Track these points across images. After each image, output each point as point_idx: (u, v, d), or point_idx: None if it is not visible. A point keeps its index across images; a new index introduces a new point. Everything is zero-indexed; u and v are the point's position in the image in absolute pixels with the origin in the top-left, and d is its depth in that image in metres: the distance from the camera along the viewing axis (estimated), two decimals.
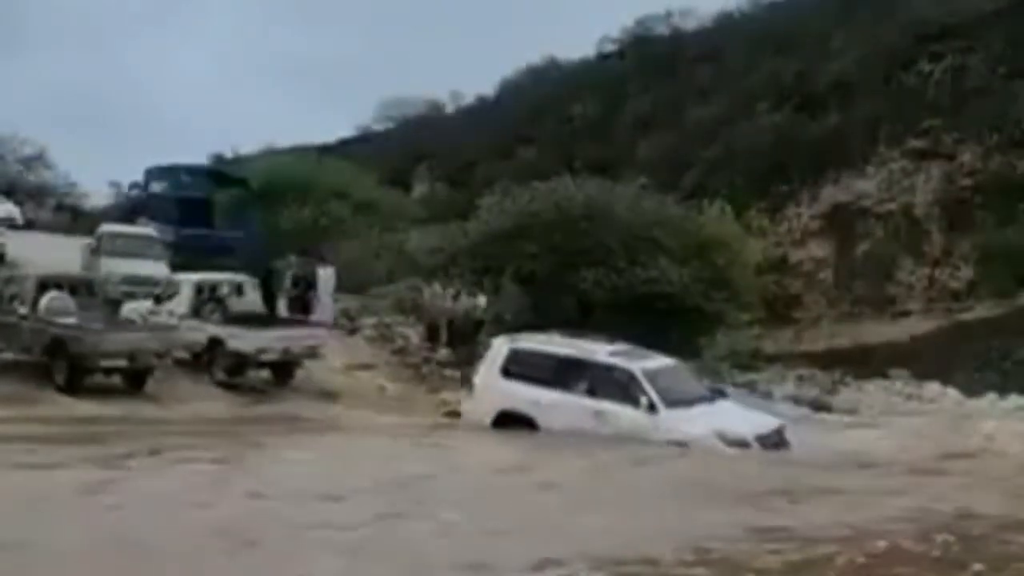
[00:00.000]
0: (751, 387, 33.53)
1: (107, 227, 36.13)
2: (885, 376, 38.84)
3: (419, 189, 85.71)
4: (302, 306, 32.30)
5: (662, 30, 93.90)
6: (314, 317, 31.29)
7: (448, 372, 30.22)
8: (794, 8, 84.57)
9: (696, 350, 37.43)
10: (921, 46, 68.73)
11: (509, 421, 20.79)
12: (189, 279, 28.31)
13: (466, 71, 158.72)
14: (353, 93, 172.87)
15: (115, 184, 43.77)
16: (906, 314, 62.44)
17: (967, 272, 62.11)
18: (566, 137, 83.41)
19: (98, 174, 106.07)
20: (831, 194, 68.63)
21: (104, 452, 17.62)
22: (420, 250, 39.74)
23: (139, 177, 43.48)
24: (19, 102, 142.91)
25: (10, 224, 40.03)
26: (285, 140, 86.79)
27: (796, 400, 32.12)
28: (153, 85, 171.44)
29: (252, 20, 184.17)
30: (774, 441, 20.43)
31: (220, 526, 12.11)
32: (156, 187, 41.32)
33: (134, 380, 23.81)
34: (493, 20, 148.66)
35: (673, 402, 20.27)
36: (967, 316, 58.88)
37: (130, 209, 39.40)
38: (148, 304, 27.46)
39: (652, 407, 19.96)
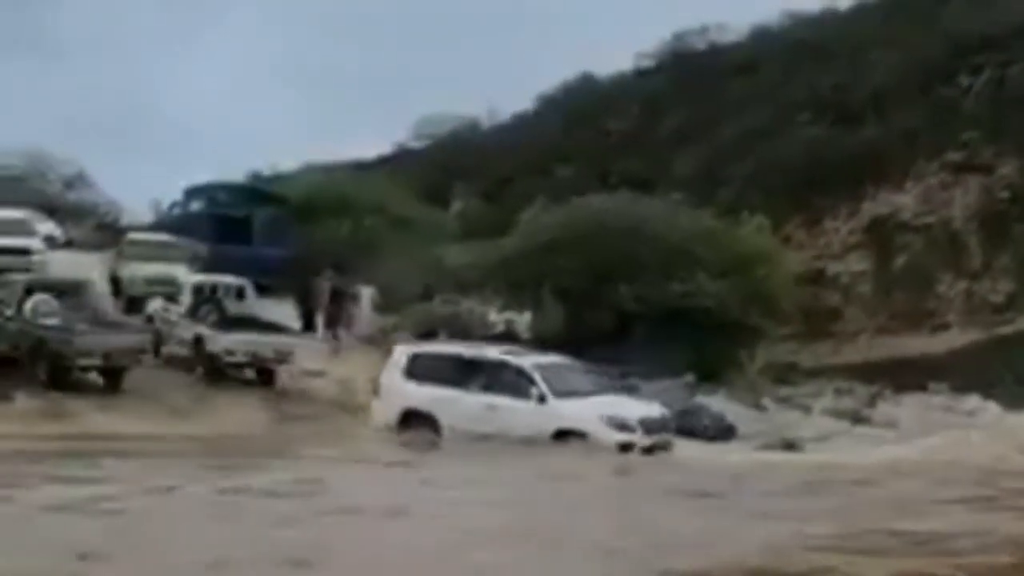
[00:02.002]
0: (789, 401, 33.39)
1: (131, 234, 39.06)
2: (924, 389, 38.66)
3: (456, 205, 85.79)
4: (339, 321, 32.89)
5: (698, 44, 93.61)
6: (354, 333, 31.94)
7: None
8: (831, 21, 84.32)
9: (737, 364, 37.45)
10: (960, 58, 68.40)
11: (412, 419, 22.35)
12: (189, 280, 30.20)
13: (502, 88, 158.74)
14: (390, 111, 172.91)
15: (155, 202, 44.32)
16: (945, 327, 62.05)
17: (1006, 285, 61.66)
18: (602, 152, 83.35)
19: (131, 192, 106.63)
20: (869, 207, 68.33)
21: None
22: (458, 266, 39.87)
23: (170, 194, 44.06)
24: (51, 119, 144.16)
25: (52, 243, 40.38)
26: (322, 157, 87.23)
27: (835, 414, 31.97)
28: (182, 103, 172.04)
29: (281, 38, 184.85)
30: (659, 427, 22.24)
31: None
32: (195, 205, 41.65)
33: (111, 378, 25.12)
34: (529, 36, 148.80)
35: (562, 393, 21.79)
36: (1006, 329, 58.40)
37: (170, 227, 39.61)
38: (161, 302, 29.12)
39: (542, 398, 21.51)
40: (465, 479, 17.46)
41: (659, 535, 12.87)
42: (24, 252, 33.63)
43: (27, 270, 31.39)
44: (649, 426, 21.90)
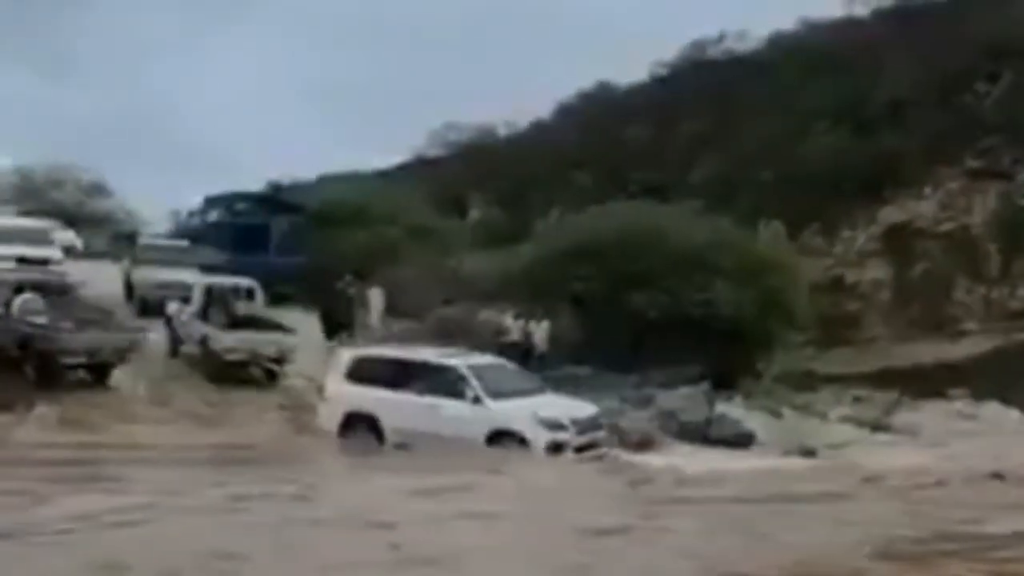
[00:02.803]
0: (807, 408, 33.32)
1: (143, 240, 40.64)
2: (943, 396, 38.57)
3: (474, 214, 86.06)
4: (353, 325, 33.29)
5: (716, 53, 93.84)
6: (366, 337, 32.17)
7: None
8: (848, 29, 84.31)
9: (755, 371, 37.41)
10: (977, 66, 68.35)
11: (355, 420, 22.56)
12: (200, 282, 30.19)
13: (520, 96, 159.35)
14: (408, 120, 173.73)
15: (174, 212, 44.53)
16: (964, 334, 61.97)
17: None
18: (620, 160, 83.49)
19: (149, 202, 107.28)
20: (887, 215, 68.36)
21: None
22: (475, 274, 39.92)
23: (188, 204, 44.29)
24: (70, 132, 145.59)
25: (71, 253, 40.61)
26: (340, 166, 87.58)
27: (854, 421, 31.89)
28: (201, 115, 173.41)
29: (299, 48, 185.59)
30: (590, 426, 22.43)
31: None
32: (214, 215, 41.82)
33: (98, 374, 25.47)
34: (547, 46, 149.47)
35: (497, 394, 22.04)
36: None
37: (189, 236, 39.78)
38: (178, 304, 29.36)
39: (477, 399, 21.83)
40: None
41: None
42: (43, 262, 33.84)
43: (46, 282, 31.85)
44: (582, 426, 22.10)
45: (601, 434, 22.80)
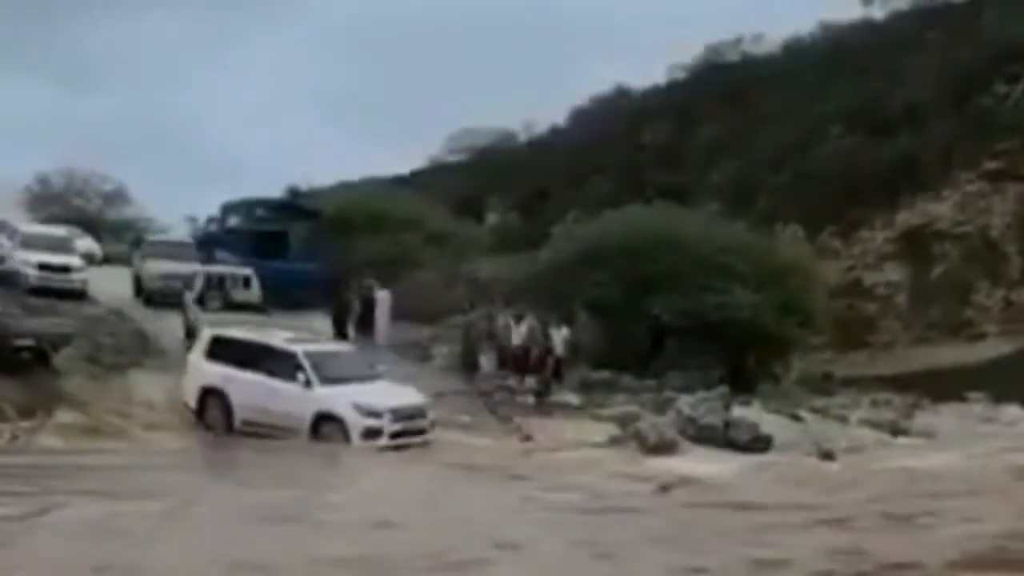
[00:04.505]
0: (825, 411, 33.24)
1: (149, 237, 44.94)
2: (962, 399, 38.46)
3: (492, 218, 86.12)
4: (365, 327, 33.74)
5: (732, 56, 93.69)
6: (378, 343, 32.71)
7: (519, 399, 30.42)
8: (866, 32, 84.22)
9: (772, 375, 37.38)
10: (996, 67, 68.12)
11: (209, 395, 24.12)
12: (199, 271, 33.11)
13: (537, 101, 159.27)
14: (425, 125, 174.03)
15: (192, 219, 44.73)
16: (982, 337, 61.78)
17: None
18: (637, 165, 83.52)
19: (166, 209, 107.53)
20: (905, 217, 68.16)
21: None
22: (493, 279, 39.93)
23: (205, 212, 44.60)
24: (88, 142, 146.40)
25: (91, 260, 40.88)
26: (357, 172, 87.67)
27: (872, 424, 31.79)
28: (216, 124, 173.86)
29: (317, 53, 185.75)
30: (411, 414, 23.69)
31: None
32: (232, 220, 41.88)
33: (41, 357, 26.19)
34: (563, 50, 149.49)
35: (328, 379, 23.48)
36: None
37: (207, 243, 39.92)
38: (189, 293, 31.73)
39: (308, 383, 23.27)
40: None
41: None
42: (64, 269, 34.16)
43: (67, 287, 33.44)
44: (399, 414, 23.25)
45: (424, 423, 23.90)
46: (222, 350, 24.64)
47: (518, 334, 31.71)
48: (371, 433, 22.78)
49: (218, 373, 24.19)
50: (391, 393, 24.13)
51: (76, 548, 12.07)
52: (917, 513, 15.50)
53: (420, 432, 23.77)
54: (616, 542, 13.38)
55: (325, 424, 22.97)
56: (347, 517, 14.72)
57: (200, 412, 24.31)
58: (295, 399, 23.22)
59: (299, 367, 23.47)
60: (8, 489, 15.65)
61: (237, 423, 23.68)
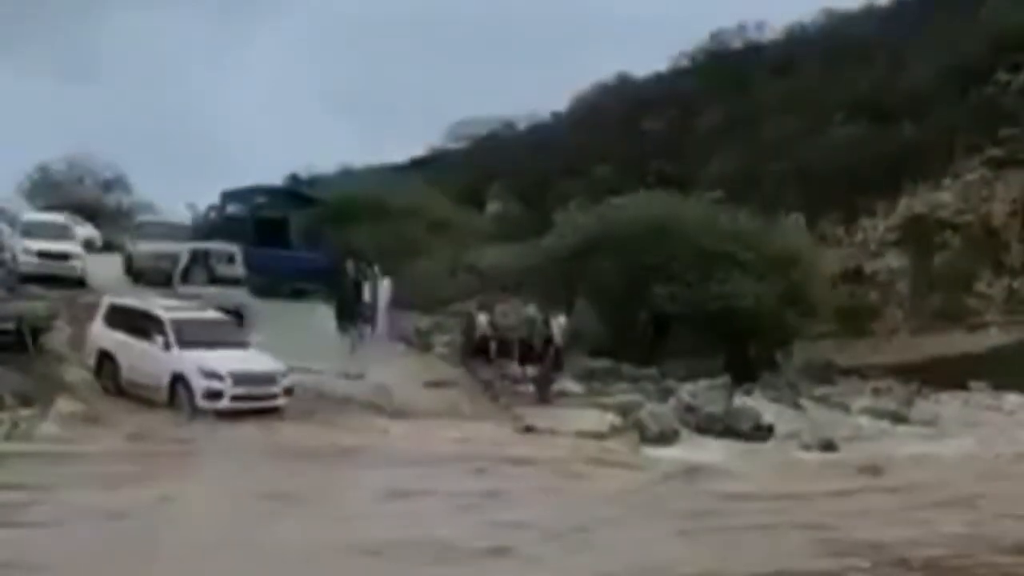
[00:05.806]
0: (827, 400, 33.19)
1: (139, 218, 47.03)
2: (964, 388, 38.38)
3: (492, 207, 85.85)
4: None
5: (735, 43, 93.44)
6: (378, 332, 32.61)
7: (520, 388, 30.26)
8: (869, 19, 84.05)
9: (774, 363, 37.31)
10: (998, 55, 67.90)
11: (104, 359, 25.88)
12: (185, 247, 34.31)
13: (538, 89, 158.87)
14: (426, 113, 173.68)
15: (191, 206, 44.57)
16: (985, 325, 61.63)
17: None
18: (639, 153, 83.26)
19: (167, 197, 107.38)
20: (907, 205, 68.02)
21: None
22: (494, 268, 39.85)
23: (205, 199, 44.33)
24: (91, 134, 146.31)
25: (91, 247, 40.84)
26: (358, 162, 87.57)
27: (874, 413, 31.71)
28: (217, 114, 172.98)
29: (318, 42, 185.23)
30: (256, 379, 24.83)
31: None
32: (232, 208, 41.65)
33: (21, 340, 26.78)
34: (565, 38, 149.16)
35: (188, 343, 24.97)
36: None
37: (207, 230, 39.72)
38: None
39: (167, 345, 24.86)
40: None
41: None
42: (64, 257, 34.12)
43: (67, 275, 33.66)
44: (240, 378, 24.36)
45: (274, 388, 24.91)
46: (116, 317, 26.51)
47: (519, 323, 31.54)
48: (212, 395, 24.14)
49: (110, 337, 26.01)
50: (243, 359, 25.35)
51: None
52: None
53: (268, 398, 24.87)
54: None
55: (179, 384, 24.38)
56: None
57: (97, 372, 25.92)
58: (159, 360, 24.86)
59: (163, 331, 25.11)
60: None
61: (123, 383, 25.31)
